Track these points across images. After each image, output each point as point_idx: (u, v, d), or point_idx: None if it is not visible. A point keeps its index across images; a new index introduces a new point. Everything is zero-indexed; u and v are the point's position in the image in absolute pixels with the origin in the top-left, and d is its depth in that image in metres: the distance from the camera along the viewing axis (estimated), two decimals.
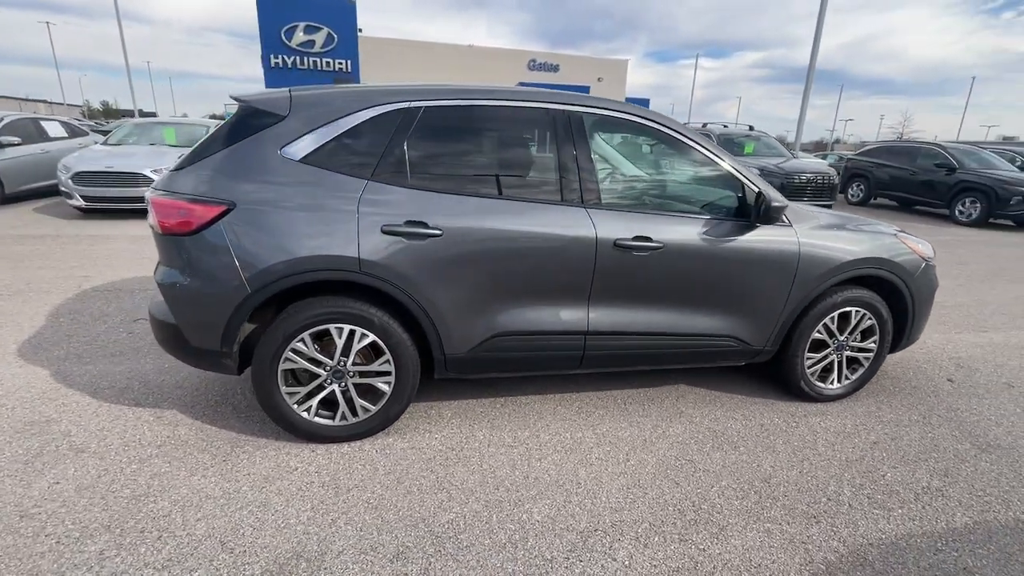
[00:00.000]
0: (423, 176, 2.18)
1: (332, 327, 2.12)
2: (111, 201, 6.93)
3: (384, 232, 2.06)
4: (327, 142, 2.10)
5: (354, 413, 2.27)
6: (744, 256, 2.43)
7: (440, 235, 2.10)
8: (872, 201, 12.00)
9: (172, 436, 2.30)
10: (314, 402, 2.22)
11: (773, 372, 2.82)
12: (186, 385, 2.76)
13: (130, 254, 5.39)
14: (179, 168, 2.11)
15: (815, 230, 2.55)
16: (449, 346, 2.25)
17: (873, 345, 2.79)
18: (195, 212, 1.98)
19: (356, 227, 2.05)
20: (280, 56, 30.88)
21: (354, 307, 2.11)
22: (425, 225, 2.10)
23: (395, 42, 31.71)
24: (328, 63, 31.50)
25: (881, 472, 2.24)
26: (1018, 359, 3.56)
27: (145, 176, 6.88)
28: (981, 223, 9.61)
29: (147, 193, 2.15)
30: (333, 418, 2.25)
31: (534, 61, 33.87)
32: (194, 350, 2.14)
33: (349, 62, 31.66)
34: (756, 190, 2.42)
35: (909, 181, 10.79)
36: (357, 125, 2.12)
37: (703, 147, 2.48)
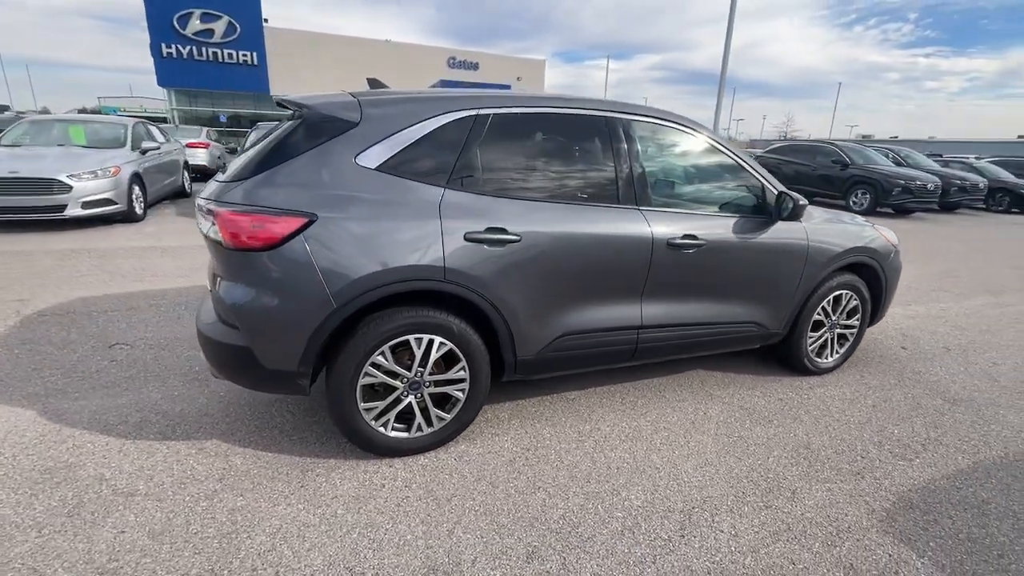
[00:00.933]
0: (495, 182, 2.20)
1: (412, 338, 2.08)
2: (19, 212, 6.00)
3: (467, 240, 2.07)
4: (402, 149, 2.06)
5: (429, 424, 2.24)
6: (768, 249, 2.72)
7: (519, 240, 2.15)
8: None
9: (229, 467, 2.13)
10: (391, 416, 2.17)
11: (782, 352, 3.16)
12: (212, 412, 2.54)
13: (64, 272, 4.73)
14: (240, 178, 1.96)
15: (818, 225, 2.91)
16: (522, 349, 2.29)
17: (857, 322, 3.23)
18: (275, 225, 1.86)
19: (440, 235, 2.03)
20: (174, 45, 28.04)
21: (435, 316, 2.09)
22: (505, 231, 2.13)
23: (306, 35, 30.02)
24: (231, 55, 29.13)
25: (889, 430, 2.62)
26: (945, 326, 4.26)
27: (60, 182, 6.02)
28: (870, 212, 11.14)
29: (206, 204, 1.97)
30: (409, 430, 2.22)
31: (454, 59, 33.67)
32: (267, 373, 2.00)
33: (255, 54, 29.50)
34: (776, 191, 2.71)
35: (811, 176, 12.22)
36: (430, 132, 2.10)
37: (730, 151, 2.73)
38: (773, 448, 2.42)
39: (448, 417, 2.27)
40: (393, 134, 2.05)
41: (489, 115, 2.19)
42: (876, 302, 3.29)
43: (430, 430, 2.25)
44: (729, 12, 13.92)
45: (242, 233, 1.86)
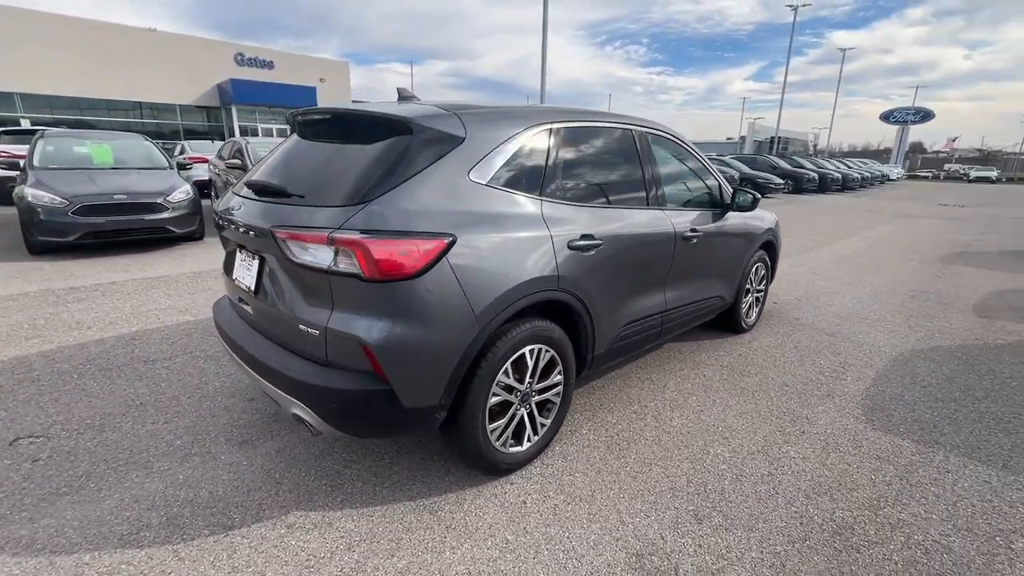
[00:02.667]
0: (570, 190, 2.32)
1: (527, 349, 2.10)
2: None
3: (570, 248, 2.17)
4: (504, 164, 2.04)
5: (536, 432, 2.27)
6: (734, 234, 3.38)
7: (601, 244, 2.32)
8: None
9: (346, 533, 1.85)
10: (508, 432, 2.15)
11: (728, 317, 3.90)
12: (245, 481, 2.12)
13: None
14: (357, 201, 1.71)
15: (753, 212, 3.69)
16: (599, 345, 2.47)
17: (764, 286, 4.18)
18: (423, 250, 1.70)
19: (552, 245, 2.09)
20: None
21: (543, 326, 2.14)
22: (592, 236, 2.28)
23: (31, 15, 23.08)
24: None
25: (818, 362, 3.52)
26: (784, 283, 5.69)
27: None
28: None
29: (324, 233, 1.66)
30: (520, 443, 2.22)
31: (242, 55, 29.90)
32: (406, 413, 1.80)
33: None
34: (731, 189, 3.38)
35: None
36: (523, 145, 2.13)
37: (702, 157, 3.30)
38: (768, 390, 3.07)
39: (547, 423, 2.33)
40: (495, 148, 2.03)
41: (560, 128, 2.31)
42: (773, 268, 4.30)
43: (536, 439, 2.28)
44: (543, 33, 15.49)
45: (390, 262, 1.65)
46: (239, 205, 2.10)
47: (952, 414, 2.81)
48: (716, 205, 3.37)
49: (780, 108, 37.51)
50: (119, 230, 5.76)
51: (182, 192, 6.28)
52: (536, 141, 2.19)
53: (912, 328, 4.26)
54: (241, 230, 2.02)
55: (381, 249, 1.64)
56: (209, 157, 10.69)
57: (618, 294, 2.51)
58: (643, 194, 2.73)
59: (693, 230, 2.97)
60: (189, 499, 2.02)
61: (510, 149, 2.08)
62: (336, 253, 1.66)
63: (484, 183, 1.97)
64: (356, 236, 1.64)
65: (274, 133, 30.80)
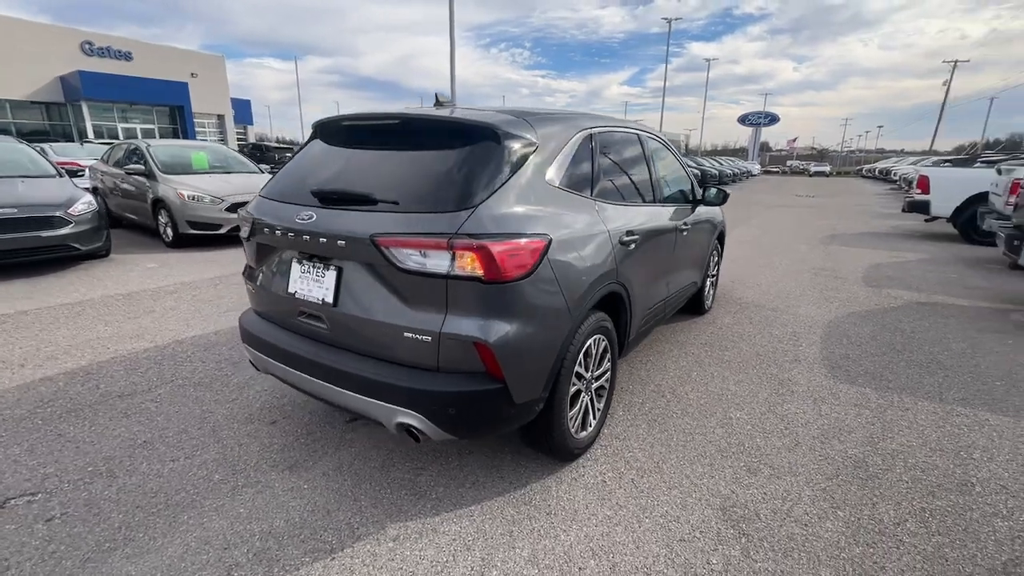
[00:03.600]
0: (609, 190, 2.50)
1: (591, 340, 2.25)
2: None
3: (620, 243, 2.35)
4: (566, 166, 2.17)
5: (594, 416, 2.43)
6: (701, 224, 3.80)
7: (638, 239, 2.54)
8: None
9: (453, 537, 1.88)
10: (579, 419, 2.28)
11: (696, 300, 4.35)
12: (318, 503, 2.04)
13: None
14: (466, 206, 1.73)
15: (716, 207, 4.16)
16: (632, 332, 2.69)
17: (716, 271, 4.72)
18: (530, 250, 1.77)
19: (610, 241, 2.26)
20: None
21: (601, 316, 2.30)
22: (633, 232, 2.49)
23: None
24: None
25: (774, 333, 4.09)
26: (724, 266, 6.40)
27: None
28: None
29: (455, 239, 1.66)
30: (585, 428, 2.36)
31: (91, 45, 25.97)
32: (516, 408, 1.85)
33: None
34: (701, 188, 3.80)
35: None
36: (577, 150, 2.26)
37: (679, 157, 3.66)
38: (748, 360, 3.52)
39: (601, 407, 2.50)
40: (560, 152, 2.14)
41: (597, 133, 2.48)
42: (721, 256, 4.87)
43: (594, 423, 2.44)
44: (450, 36, 15.48)
45: (508, 263, 1.70)
46: (300, 215, 1.98)
47: (888, 364, 3.47)
48: (690, 200, 3.77)
49: (662, 111, 41.33)
50: (9, 251, 4.83)
51: (84, 204, 5.42)
52: (583, 145, 2.34)
53: (827, 299, 5.09)
54: (309, 239, 1.92)
55: (501, 251, 1.69)
56: (85, 162, 9.23)
57: (646, 283, 2.76)
58: (652, 191, 3.01)
59: (684, 223, 3.32)
60: (266, 531, 1.88)
61: (568, 152, 2.21)
62: (453, 258, 1.68)
63: (556, 185, 2.08)
64: (476, 240, 1.67)
65: (138, 133, 27.18)
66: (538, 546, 1.83)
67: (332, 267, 1.94)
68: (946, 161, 17.41)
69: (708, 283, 4.48)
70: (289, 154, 29.77)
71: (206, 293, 4.82)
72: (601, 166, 2.46)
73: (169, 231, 6.70)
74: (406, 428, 1.82)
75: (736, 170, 30.99)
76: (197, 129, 29.58)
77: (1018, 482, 2.21)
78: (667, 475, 2.24)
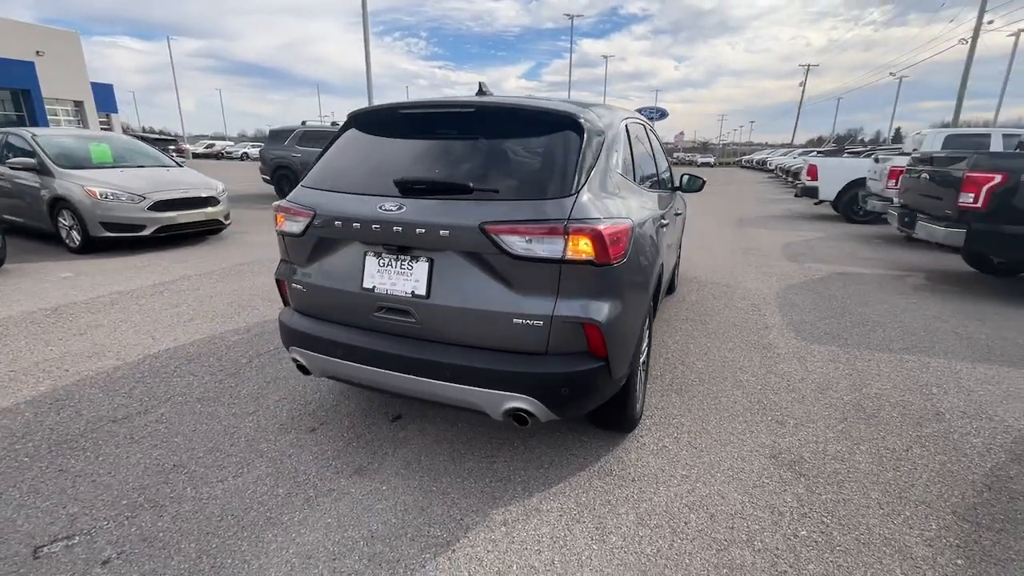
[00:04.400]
0: (640, 176, 2.67)
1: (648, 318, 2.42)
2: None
3: (659, 225, 2.54)
4: (621, 154, 2.29)
5: (643, 387, 2.61)
6: (679, 209, 4.14)
7: (665, 222, 2.74)
8: None
9: (559, 513, 1.95)
10: (639, 393, 2.44)
11: (671, 282, 4.71)
12: (407, 502, 2.01)
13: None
14: (568, 193, 1.79)
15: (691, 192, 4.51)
16: (656, 308, 2.90)
17: (679, 253, 5.15)
18: (626, 233, 1.87)
19: (654, 224, 2.43)
20: None
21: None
22: (663, 216, 2.68)
23: None
24: None
25: (743, 304, 4.56)
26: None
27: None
28: None
29: (570, 224, 1.71)
30: (640, 399, 2.52)
31: None
32: (612, 384, 1.95)
33: None
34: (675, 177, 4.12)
35: None
36: (624, 138, 2.41)
37: (663, 146, 3.94)
38: (729, 330, 3.92)
39: (646, 378, 2.68)
40: (616, 141, 2.25)
41: (627, 123, 2.62)
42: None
43: (642, 398, 2.61)
44: (362, 18, 14.77)
45: (615, 246, 1.79)
46: (383, 206, 1.90)
47: (838, 325, 4.06)
48: (671, 186, 4.09)
49: None
50: None
51: None
52: (625, 134, 2.48)
53: (766, 274, 5.76)
54: (400, 230, 1.86)
55: (610, 235, 1.77)
56: None
57: (663, 263, 2.98)
58: (659, 177, 3.23)
59: (676, 207, 3.61)
60: (367, 535, 1.81)
61: (621, 141, 2.34)
62: (567, 243, 1.73)
63: (619, 172, 2.20)
64: (588, 225, 1.74)
65: None
66: (640, 509, 1.96)
67: (423, 259, 1.89)
68: (819, 152, 20.05)
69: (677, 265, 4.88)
70: (172, 147, 26.60)
71: (154, 303, 4.27)
72: (635, 154, 2.61)
73: (76, 235, 5.76)
74: (514, 413, 1.85)
75: None
76: (50, 117, 25.36)
77: (971, 407, 2.76)
78: (715, 434, 2.48)
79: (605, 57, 55.52)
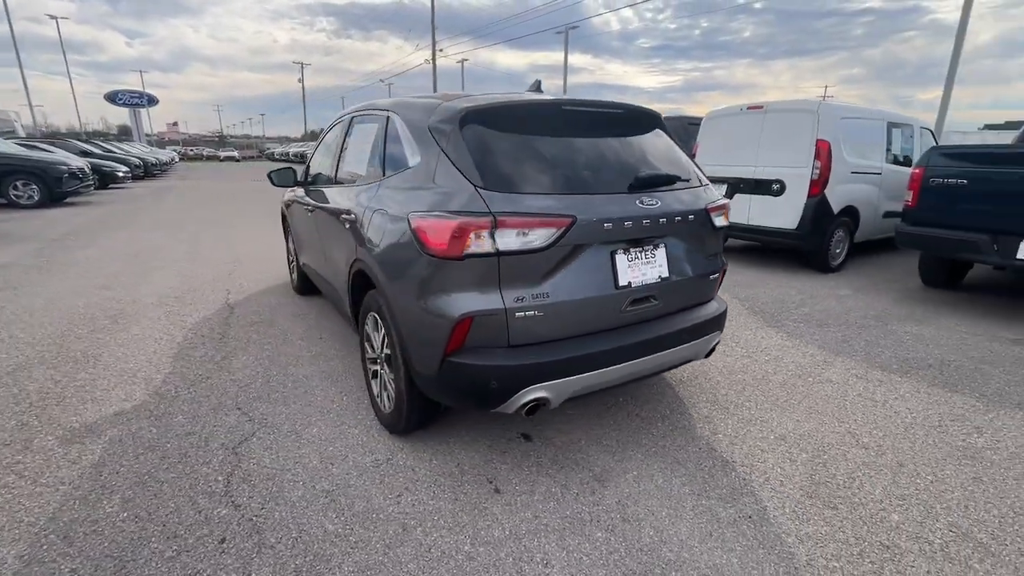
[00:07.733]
0: None
1: None
2: None
3: None
4: None
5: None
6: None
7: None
8: None
9: (632, 478, 2.18)
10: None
11: None
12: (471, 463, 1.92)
13: None
14: (678, 180, 2.30)
15: None
16: None
17: None
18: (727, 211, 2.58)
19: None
20: None
21: None
22: None
23: None
24: None
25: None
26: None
27: None
28: None
29: (720, 202, 2.41)
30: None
31: None
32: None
33: None
34: None
35: None
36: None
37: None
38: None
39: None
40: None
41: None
42: None
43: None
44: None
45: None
46: (637, 202, 2.05)
47: (808, 314, 4.41)
48: None
49: None
50: None
51: None
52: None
53: None
54: (650, 223, 2.06)
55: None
56: None
57: None
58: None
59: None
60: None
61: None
62: (724, 214, 2.42)
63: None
64: (724, 201, 2.44)
65: None
66: (705, 465, 2.26)
67: (660, 244, 2.14)
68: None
69: None
70: None
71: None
72: None
73: None
74: (707, 351, 2.40)
75: (155, 158, 26.66)
76: None
77: (937, 354, 3.56)
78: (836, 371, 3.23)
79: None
